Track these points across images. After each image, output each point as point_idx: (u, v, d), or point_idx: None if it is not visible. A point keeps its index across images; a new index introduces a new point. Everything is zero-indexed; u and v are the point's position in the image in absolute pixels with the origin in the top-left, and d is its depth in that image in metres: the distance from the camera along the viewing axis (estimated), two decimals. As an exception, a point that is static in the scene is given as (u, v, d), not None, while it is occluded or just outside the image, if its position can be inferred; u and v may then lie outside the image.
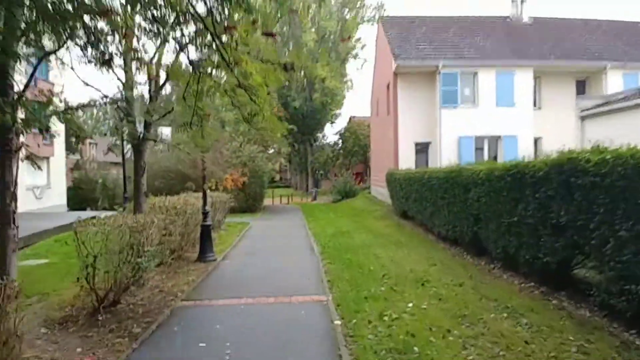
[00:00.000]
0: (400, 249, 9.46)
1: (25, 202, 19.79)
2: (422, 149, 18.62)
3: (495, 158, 16.55)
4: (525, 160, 6.26)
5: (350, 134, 42.83)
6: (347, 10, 41.00)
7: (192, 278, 7.44)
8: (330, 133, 61.03)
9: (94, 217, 5.73)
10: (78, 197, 28.85)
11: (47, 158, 21.48)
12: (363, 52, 44.03)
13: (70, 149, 32.35)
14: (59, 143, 22.78)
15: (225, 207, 13.72)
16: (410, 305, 5.45)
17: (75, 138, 32.80)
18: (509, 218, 6.37)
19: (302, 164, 45.30)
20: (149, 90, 7.05)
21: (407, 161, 17.60)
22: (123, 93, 6.75)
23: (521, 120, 17.47)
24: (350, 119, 46.86)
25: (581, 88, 18.93)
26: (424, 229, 11.73)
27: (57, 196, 22.18)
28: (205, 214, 9.03)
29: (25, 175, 20.12)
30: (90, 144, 53.47)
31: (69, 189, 30.80)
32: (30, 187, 20.23)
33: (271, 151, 37.83)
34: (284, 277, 7.48)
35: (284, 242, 11.65)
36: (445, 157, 16.76)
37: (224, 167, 19.25)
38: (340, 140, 45.68)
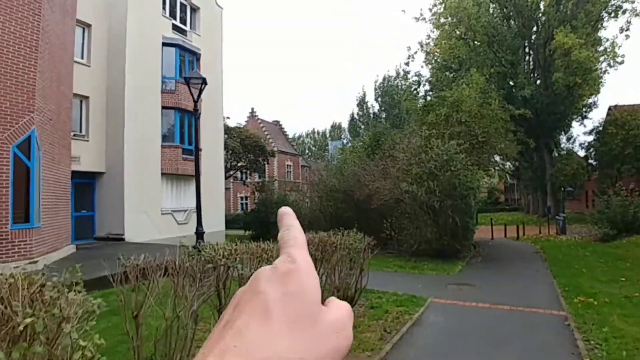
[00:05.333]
0: None
1: (164, 229, 16.17)
2: None
3: None
4: None
5: (616, 129, 27.98)
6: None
7: None
8: (579, 132, 44.56)
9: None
10: (257, 221, 25.93)
11: (195, 177, 17.92)
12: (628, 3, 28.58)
13: (254, 167, 30.28)
14: (212, 159, 19.20)
15: (356, 264, 5.63)
16: None
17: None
18: None
19: (537, 179, 32.46)
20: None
21: None
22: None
23: None
24: (609, 109, 31.49)
25: None
26: None
27: (213, 221, 18.30)
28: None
29: (163, 197, 16.84)
30: (302, 166, 53.57)
31: (251, 212, 28.45)
32: (168, 211, 16.77)
33: (498, 158, 27.42)
34: None
35: None
36: None
37: (396, 182, 11.11)
38: (597, 142, 30.96)
